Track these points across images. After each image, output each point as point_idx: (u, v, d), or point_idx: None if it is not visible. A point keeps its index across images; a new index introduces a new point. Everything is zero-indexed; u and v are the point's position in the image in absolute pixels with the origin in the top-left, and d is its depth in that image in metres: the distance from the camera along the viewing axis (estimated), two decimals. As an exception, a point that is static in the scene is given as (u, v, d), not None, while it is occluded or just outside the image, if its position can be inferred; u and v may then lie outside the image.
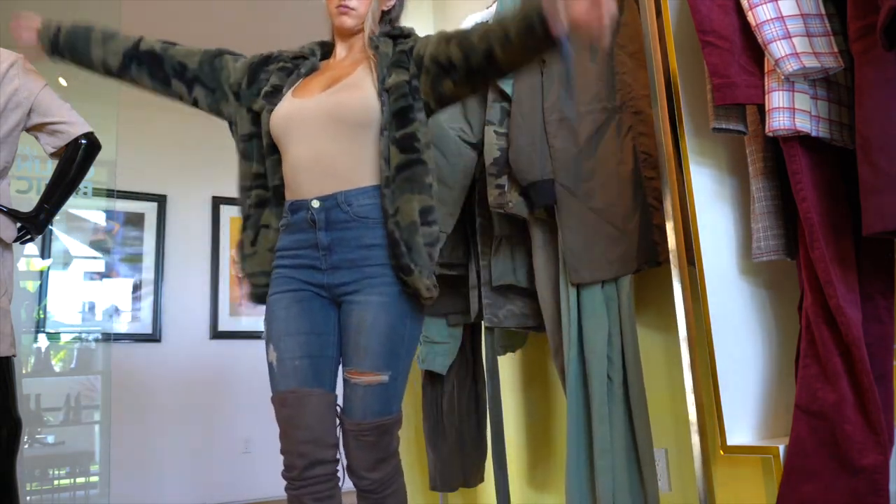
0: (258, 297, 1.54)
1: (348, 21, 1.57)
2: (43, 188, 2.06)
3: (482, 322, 2.09)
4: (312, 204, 1.44)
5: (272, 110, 1.51)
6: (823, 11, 1.22)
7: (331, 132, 1.45)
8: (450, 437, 2.21)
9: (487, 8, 2.14)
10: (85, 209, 4.02)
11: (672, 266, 1.53)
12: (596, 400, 1.58)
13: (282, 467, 1.43)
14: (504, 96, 1.73)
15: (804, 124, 1.20)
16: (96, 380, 3.91)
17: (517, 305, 1.89)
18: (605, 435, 1.57)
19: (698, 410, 1.46)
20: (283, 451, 1.39)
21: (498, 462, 2.01)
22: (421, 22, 3.08)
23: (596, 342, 1.61)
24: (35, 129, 2.03)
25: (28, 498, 3.50)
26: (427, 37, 1.53)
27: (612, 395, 1.60)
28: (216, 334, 4.63)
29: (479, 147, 1.88)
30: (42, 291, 3.85)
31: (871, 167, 1.05)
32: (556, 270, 1.72)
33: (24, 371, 3.60)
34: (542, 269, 1.75)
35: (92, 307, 4.17)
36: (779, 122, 1.20)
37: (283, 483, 1.40)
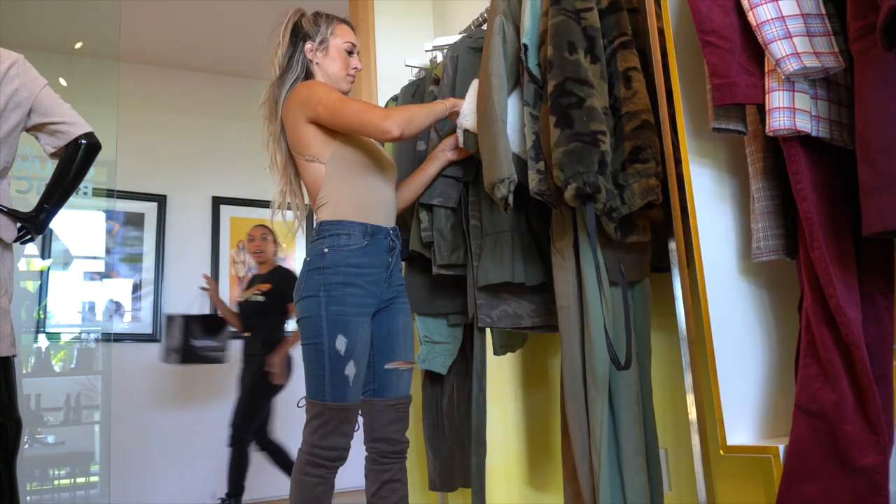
0: None
1: (349, 88, 1.92)
2: (43, 188, 2.06)
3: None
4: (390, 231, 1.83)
5: None
6: (824, 11, 1.22)
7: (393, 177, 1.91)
8: (449, 437, 2.21)
9: (476, 26, 2.14)
10: (85, 209, 4.02)
11: (672, 266, 1.54)
12: (630, 400, 1.58)
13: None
14: (534, 79, 1.69)
15: (804, 124, 1.20)
16: (96, 380, 3.92)
17: (511, 306, 1.88)
18: (640, 434, 1.57)
19: (698, 410, 1.46)
20: (338, 448, 1.69)
21: (477, 463, 2.00)
22: (421, 22, 3.08)
23: (640, 340, 1.64)
24: (35, 129, 2.03)
25: (28, 498, 3.50)
26: None
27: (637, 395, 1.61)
28: (216, 334, 4.63)
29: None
30: (42, 291, 3.85)
31: (871, 167, 1.05)
32: (581, 267, 1.67)
33: (24, 371, 3.60)
34: (564, 267, 1.69)
35: (92, 307, 4.17)
36: (779, 121, 1.20)
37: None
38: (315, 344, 1.69)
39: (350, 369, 1.69)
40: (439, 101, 1.89)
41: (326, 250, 1.74)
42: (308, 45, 1.86)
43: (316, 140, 1.77)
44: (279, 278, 3.89)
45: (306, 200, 1.90)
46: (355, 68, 1.91)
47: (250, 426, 3.76)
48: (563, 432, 1.72)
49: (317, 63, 1.87)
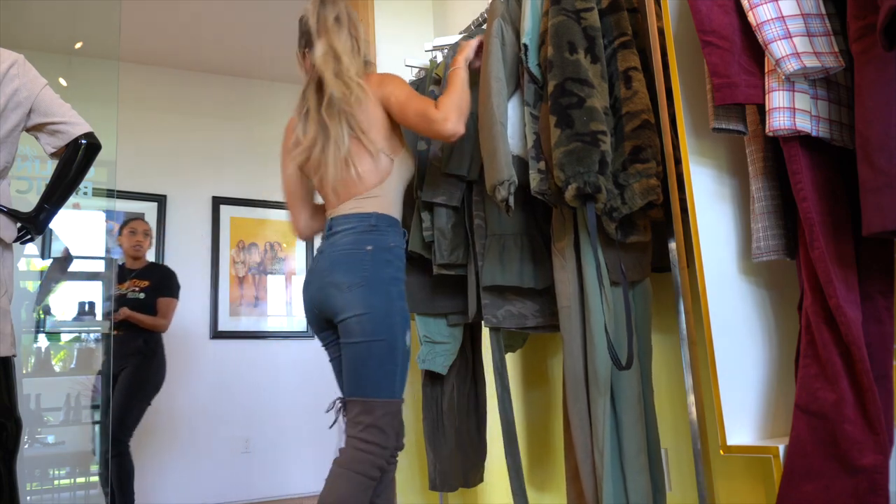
0: None
1: None
2: (43, 188, 2.06)
3: (482, 322, 2.09)
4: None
5: None
6: (824, 11, 1.22)
7: None
8: (449, 437, 2.21)
9: (475, 26, 2.14)
10: (85, 209, 4.02)
11: (672, 266, 1.54)
12: (632, 400, 1.58)
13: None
14: (534, 79, 1.70)
15: (804, 124, 1.20)
16: (96, 380, 3.91)
17: (515, 306, 1.89)
18: (642, 434, 1.57)
19: (698, 410, 1.46)
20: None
21: (513, 464, 1.97)
22: (421, 22, 3.08)
23: (640, 339, 1.64)
24: (35, 129, 2.03)
25: (28, 498, 3.49)
26: None
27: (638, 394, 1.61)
28: (216, 334, 4.64)
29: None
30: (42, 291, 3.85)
31: (871, 167, 1.05)
32: (581, 267, 1.67)
33: (24, 371, 3.60)
34: (565, 268, 1.69)
35: (92, 307, 4.17)
36: (779, 121, 1.20)
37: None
38: (387, 340, 1.65)
39: (409, 366, 1.73)
40: (457, 69, 1.82)
41: (393, 244, 1.73)
42: (361, 39, 1.91)
43: (393, 136, 1.79)
44: (159, 276, 3.74)
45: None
46: None
47: (131, 433, 3.54)
48: (566, 432, 1.71)
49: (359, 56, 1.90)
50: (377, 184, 1.75)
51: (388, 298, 1.67)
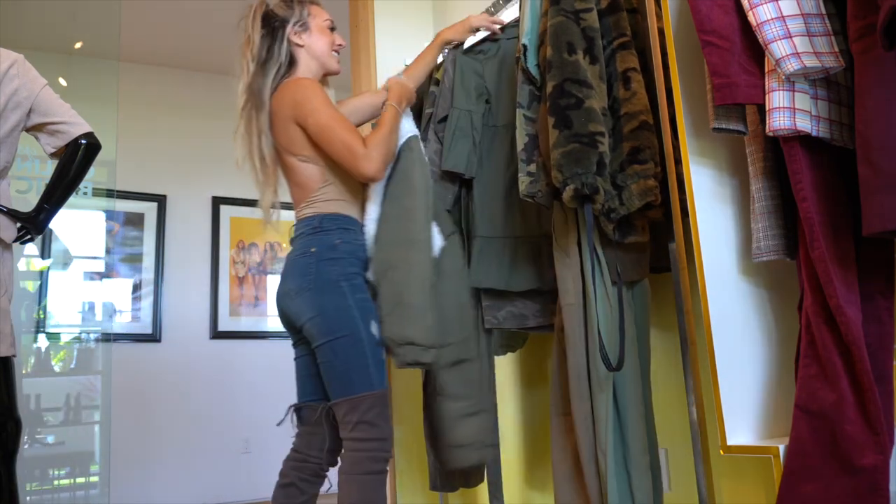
0: None
1: (339, 66, 1.91)
2: (43, 188, 2.06)
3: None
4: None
5: None
6: (824, 11, 1.22)
7: None
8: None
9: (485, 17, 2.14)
10: (85, 209, 4.02)
11: (672, 266, 1.54)
12: (635, 399, 1.58)
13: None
14: (531, 80, 1.70)
15: (804, 124, 1.20)
16: (96, 380, 3.91)
17: (516, 306, 1.89)
18: (645, 434, 1.57)
19: (698, 410, 1.46)
20: (392, 434, 1.68)
21: (492, 466, 2.00)
22: (421, 22, 3.08)
23: (640, 339, 1.64)
24: (35, 129, 2.03)
25: (28, 498, 3.50)
26: None
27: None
28: (216, 334, 4.64)
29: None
30: (42, 291, 3.85)
31: (871, 167, 1.05)
32: (581, 267, 1.68)
33: (24, 371, 3.60)
34: (569, 265, 1.69)
35: (92, 307, 4.17)
36: (779, 121, 1.20)
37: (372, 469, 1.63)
38: (350, 335, 1.63)
39: (384, 354, 1.68)
40: (391, 106, 1.81)
41: (338, 242, 1.70)
42: (289, 29, 1.79)
43: (311, 142, 1.72)
44: None
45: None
46: (339, 45, 1.88)
47: None
48: (559, 432, 1.71)
49: (300, 45, 1.80)
50: (315, 188, 1.74)
51: (339, 295, 1.65)
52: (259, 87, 1.74)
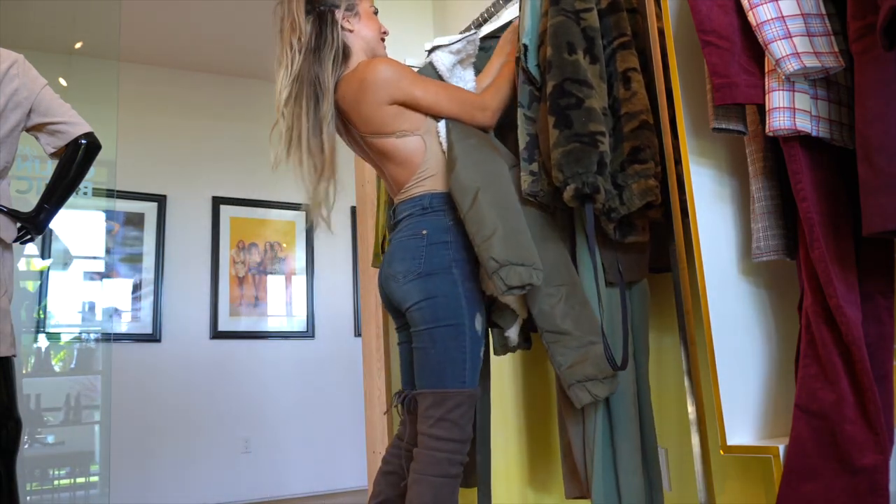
0: None
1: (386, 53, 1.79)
2: (43, 188, 2.06)
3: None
4: None
5: None
6: (824, 11, 1.22)
7: None
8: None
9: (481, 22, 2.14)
10: (85, 209, 4.03)
11: (672, 266, 1.54)
12: (627, 400, 1.58)
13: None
14: (531, 80, 1.68)
15: (804, 124, 1.20)
16: (96, 380, 3.92)
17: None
18: (636, 434, 1.57)
19: (698, 410, 1.46)
20: (471, 438, 1.57)
21: (482, 467, 2.00)
22: (421, 22, 3.08)
23: (637, 340, 1.64)
24: (35, 129, 2.03)
25: (28, 498, 3.50)
26: None
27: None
28: (216, 334, 4.64)
29: None
30: (42, 291, 3.85)
31: (871, 167, 1.05)
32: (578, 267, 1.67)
33: (24, 371, 3.61)
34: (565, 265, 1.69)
35: (92, 307, 4.17)
36: (779, 121, 1.20)
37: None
38: (454, 325, 1.53)
39: (482, 353, 1.58)
40: (509, 62, 1.76)
41: (451, 223, 1.59)
42: (338, 14, 1.68)
43: (404, 114, 1.62)
44: None
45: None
46: (385, 32, 1.80)
47: None
48: (561, 427, 1.72)
49: (351, 31, 1.70)
50: (419, 165, 1.64)
51: (450, 282, 1.55)
52: (316, 75, 1.61)
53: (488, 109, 1.69)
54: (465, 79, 1.79)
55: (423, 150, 1.64)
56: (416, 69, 2.60)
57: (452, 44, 1.81)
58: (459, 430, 1.52)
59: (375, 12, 1.79)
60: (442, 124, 1.65)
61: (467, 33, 1.88)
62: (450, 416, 1.52)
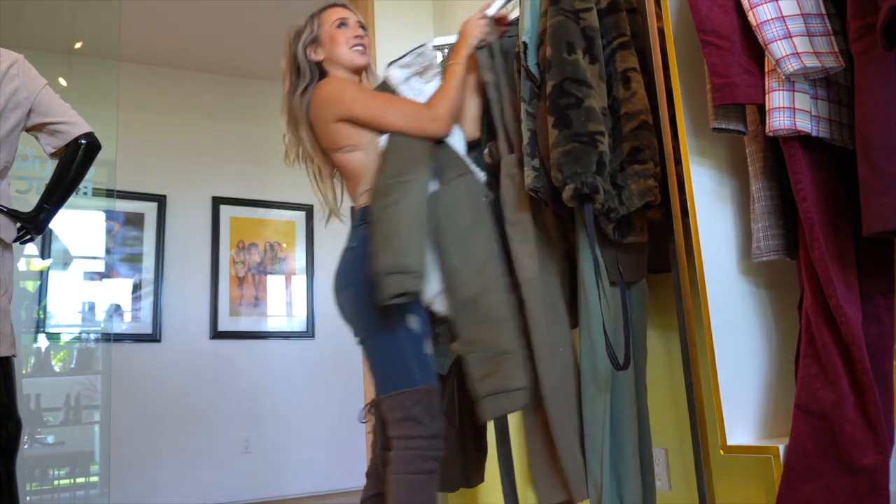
0: None
1: (364, 59, 1.85)
2: (43, 188, 2.06)
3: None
4: None
5: None
6: (824, 11, 1.22)
7: None
8: (450, 437, 2.21)
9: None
10: (85, 209, 4.03)
11: (672, 266, 1.54)
12: (629, 400, 1.58)
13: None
14: (531, 78, 1.68)
15: (804, 124, 1.20)
16: (96, 380, 3.92)
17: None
18: (635, 435, 1.57)
19: (698, 410, 1.46)
20: (443, 432, 1.60)
21: (504, 464, 1.99)
22: (421, 22, 3.08)
23: (636, 340, 1.63)
24: (35, 129, 2.03)
25: (28, 498, 3.50)
26: None
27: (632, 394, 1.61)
28: (216, 334, 4.64)
29: None
30: (42, 291, 3.85)
31: (871, 167, 1.05)
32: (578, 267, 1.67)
33: (24, 371, 3.61)
34: (526, 240, 1.69)
35: (92, 307, 4.17)
36: (779, 121, 1.20)
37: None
38: (386, 330, 1.60)
39: (428, 347, 1.63)
40: (453, 64, 1.78)
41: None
42: (308, 51, 1.83)
43: (350, 130, 1.72)
44: None
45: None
46: (357, 37, 1.84)
47: None
48: (535, 430, 1.69)
49: (320, 60, 1.83)
50: (362, 178, 1.72)
51: (375, 290, 1.59)
52: (291, 104, 1.81)
53: (438, 119, 1.70)
54: (425, 92, 1.81)
55: (364, 164, 1.72)
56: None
57: (402, 58, 1.88)
58: (423, 426, 1.56)
59: (340, 24, 1.85)
60: (383, 139, 1.71)
61: (416, 46, 1.90)
62: (411, 415, 1.57)
